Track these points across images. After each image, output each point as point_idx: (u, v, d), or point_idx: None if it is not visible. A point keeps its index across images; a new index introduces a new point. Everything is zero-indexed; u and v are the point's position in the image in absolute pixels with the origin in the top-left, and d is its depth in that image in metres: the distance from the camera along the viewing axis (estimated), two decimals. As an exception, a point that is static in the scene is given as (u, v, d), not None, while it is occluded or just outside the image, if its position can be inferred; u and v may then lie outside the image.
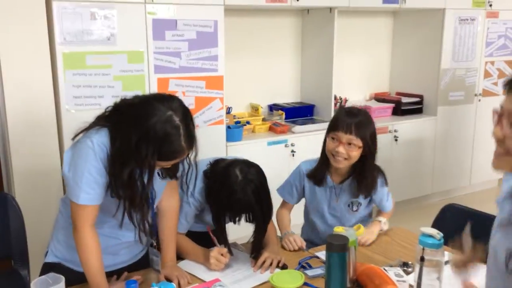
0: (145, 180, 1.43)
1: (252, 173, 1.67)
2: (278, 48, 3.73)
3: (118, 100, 1.53)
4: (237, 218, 1.70)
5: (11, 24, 2.43)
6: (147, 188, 1.46)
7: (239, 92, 3.55)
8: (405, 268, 1.65)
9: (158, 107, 1.39)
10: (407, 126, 3.88)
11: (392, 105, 4.01)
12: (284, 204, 2.10)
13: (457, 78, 4.06)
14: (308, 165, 2.03)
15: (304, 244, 1.88)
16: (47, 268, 1.63)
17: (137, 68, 2.77)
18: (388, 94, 4.27)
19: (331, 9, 3.48)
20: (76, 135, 1.49)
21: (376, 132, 1.92)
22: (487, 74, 4.23)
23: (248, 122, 3.46)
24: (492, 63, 4.25)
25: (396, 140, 3.82)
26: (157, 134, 1.37)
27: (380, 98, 4.18)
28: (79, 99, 2.64)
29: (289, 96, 3.87)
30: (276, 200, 1.91)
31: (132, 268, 1.67)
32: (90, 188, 1.43)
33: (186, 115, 1.43)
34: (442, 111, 4.02)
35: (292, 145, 3.35)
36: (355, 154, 1.85)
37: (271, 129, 3.49)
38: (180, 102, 1.46)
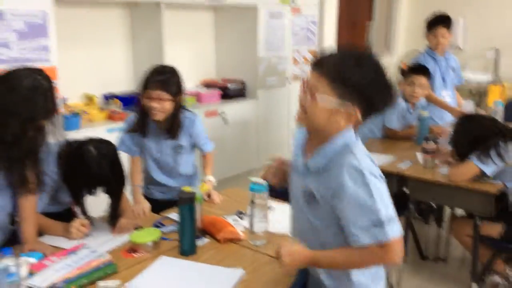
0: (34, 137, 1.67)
1: (105, 148, 1.88)
2: (110, 39, 3.86)
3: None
4: (93, 190, 1.89)
5: None
6: (38, 145, 1.69)
7: (73, 83, 3.59)
8: (240, 215, 2.05)
9: (24, 73, 1.64)
10: (233, 108, 4.36)
11: (219, 90, 4.44)
12: (131, 159, 2.40)
13: (272, 65, 4.68)
14: (128, 122, 2.38)
15: (147, 210, 2.19)
16: None
17: (-39, 60, 2.67)
18: (216, 81, 4.70)
19: (157, 3, 3.73)
20: None
21: (181, 82, 2.30)
22: (295, 61, 4.96)
23: (84, 112, 3.52)
24: (299, 51, 4.99)
25: (225, 122, 4.27)
26: (28, 94, 1.60)
27: (208, 84, 4.58)
28: None
29: (123, 85, 4.02)
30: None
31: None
32: None
33: (50, 82, 1.68)
34: (262, 94, 4.61)
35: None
36: (168, 107, 2.21)
37: (109, 117, 3.62)
38: (42, 71, 1.70)
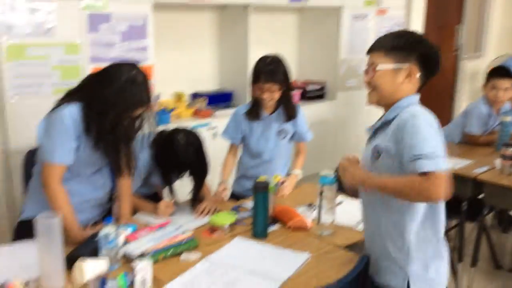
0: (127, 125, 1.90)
1: (192, 138, 2.13)
2: (199, 41, 4.17)
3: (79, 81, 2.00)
4: (181, 175, 2.14)
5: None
6: (133, 133, 1.94)
7: (166, 81, 3.93)
8: (309, 208, 2.21)
9: (122, 68, 1.86)
10: (312, 109, 4.49)
11: (299, 91, 4.61)
12: (230, 147, 2.62)
13: (353, 68, 4.76)
14: (242, 108, 2.58)
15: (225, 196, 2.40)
16: (22, 224, 1.98)
17: (73, 59, 3.06)
18: (295, 82, 4.86)
19: (245, 6, 3.97)
20: (52, 110, 1.87)
21: (287, 68, 2.50)
22: (377, 64, 4.98)
23: (173, 109, 3.86)
24: (381, 54, 5.01)
25: (303, 121, 4.42)
26: (125, 86, 1.82)
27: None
28: (21, 88, 2.88)
29: (210, 84, 4.32)
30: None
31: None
32: (62, 149, 1.82)
33: (145, 76, 1.90)
34: (341, 95, 4.71)
35: (214, 127, 3.80)
36: (277, 95, 2.41)
37: (195, 114, 3.93)
38: (138, 66, 1.92)
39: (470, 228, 3.17)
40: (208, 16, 4.20)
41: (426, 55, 1.62)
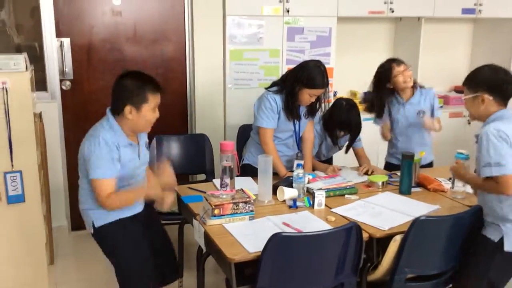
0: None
1: (352, 104, 3.05)
2: (375, 47, 5.02)
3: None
4: (343, 132, 3.11)
5: (203, 30, 4.00)
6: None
7: (342, 81, 4.86)
8: (448, 181, 2.90)
9: (309, 63, 2.89)
10: (479, 112, 4.96)
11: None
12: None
13: (526, 75, 5.06)
14: None
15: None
16: (244, 166, 3.10)
17: (274, 61, 4.19)
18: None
19: (419, 18, 4.69)
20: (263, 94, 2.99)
21: None
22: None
23: (348, 104, 4.77)
24: (560, 63, 5.19)
25: (469, 123, 4.93)
26: (311, 72, 2.84)
27: (458, 90, 5.29)
28: (237, 81, 4.11)
29: (381, 86, 5.12)
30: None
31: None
32: (268, 120, 2.89)
33: (325, 68, 2.87)
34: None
35: (382, 123, 4.59)
36: (409, 79, 3.25)
37: (365, 109, 4.76)
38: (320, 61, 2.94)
39: None
40: (385, 27, 5.02)
41: (491, 86, 2.24)
